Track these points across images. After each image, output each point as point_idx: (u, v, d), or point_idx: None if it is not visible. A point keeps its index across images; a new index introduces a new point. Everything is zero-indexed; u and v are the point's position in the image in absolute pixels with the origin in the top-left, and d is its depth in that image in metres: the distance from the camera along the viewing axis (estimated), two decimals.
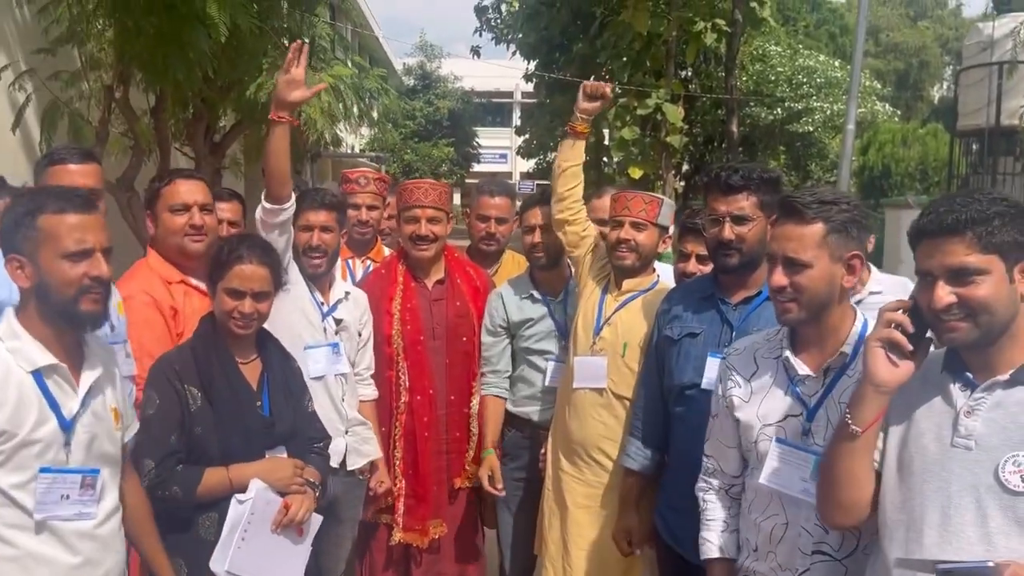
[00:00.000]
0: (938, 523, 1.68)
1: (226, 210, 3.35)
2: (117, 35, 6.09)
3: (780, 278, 2.02)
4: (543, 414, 3.39)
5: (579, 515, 3.11)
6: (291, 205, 2.97)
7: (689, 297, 2.78)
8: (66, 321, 1.95)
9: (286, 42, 7.87)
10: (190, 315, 2.75)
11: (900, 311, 1.73)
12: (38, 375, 1.91)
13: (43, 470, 1.89)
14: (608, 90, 3.23)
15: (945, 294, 1.64)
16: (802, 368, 2.08)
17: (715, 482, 2.31)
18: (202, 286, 2.81)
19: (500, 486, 3.30)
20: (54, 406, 1.92)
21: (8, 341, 1.90)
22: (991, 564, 1.57)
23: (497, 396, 3.43)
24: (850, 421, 1.76)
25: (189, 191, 2.85)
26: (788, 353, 2.11)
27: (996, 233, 1.62)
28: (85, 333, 2.03)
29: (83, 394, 1.98)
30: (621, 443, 3.02)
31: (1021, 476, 1.61)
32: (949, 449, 1.69)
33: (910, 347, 1.72)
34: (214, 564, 2.39)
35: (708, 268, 3.14)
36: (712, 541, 2.29)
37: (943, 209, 1.66)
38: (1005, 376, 1.67)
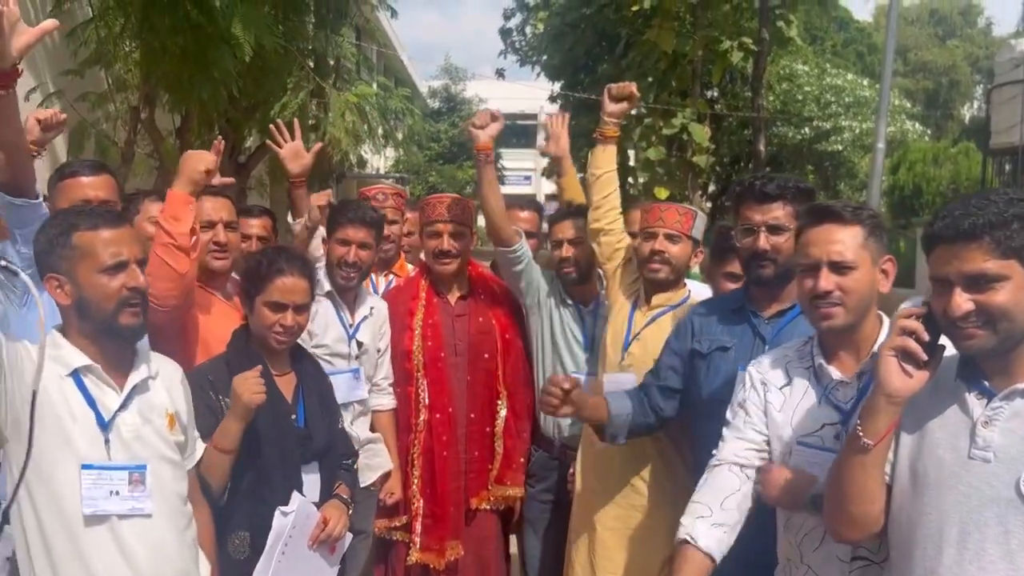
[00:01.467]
0: (956, 540, 1.60)
1: (256, 226, 3.36)
2: (143, 56, 6.15)
3: (827, 282, 1.93)
4: (571, 429, 3.29)
5: (607, 537, 3.01)
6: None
7: (718, 310, 2.68)
8: (108, 335, 1.98)
9: (311, 64, 7.93)
10: (208, 317, 2.74)
11: (914, 318, 1.65)
12: (76, 376, 1.95)
13: (85, 467, 1.92)
14: (634, 88, 3.19)
15: (963, 301, 1.57)
16: (836, 374, 2.01)
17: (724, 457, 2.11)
18: (217, 294, 2.81)
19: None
20: (91, 403, 1.95)
21: (50, 350, 1.94)
22: None
23: None
24: (861, 433, 1.69)
25: (215, 208, 2.83)
26: (822, 360, 2.03)
27: (1015, 237, 1.55)
28: (127, 346, 2.04)
29: (126, 394, 1.99)
30: (653, 462, 2.92)
31: None
32: (966, 461, 1.61)
33: (925, 356, 1.64)
34: None
35: (737, 286, 3.03)
36: (699, 532, 2.00)
37: (959, 213, 1.59)
38: (1022, 385, 1.59)
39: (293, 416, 2.51)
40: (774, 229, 2.46)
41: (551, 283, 3.39)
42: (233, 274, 2.95)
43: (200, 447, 2.25)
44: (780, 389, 2.10)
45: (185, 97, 6.16)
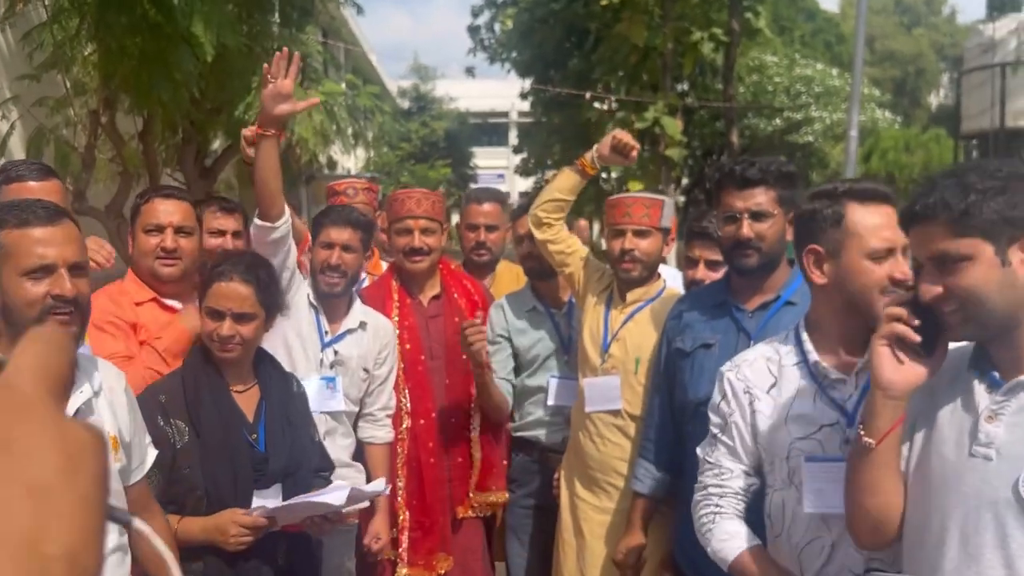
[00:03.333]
0: (957, 543, 1.49)
1: (228, 221, 3.13)
2: (101, 58, 5.96)
3: (934, 288, 1.51)
4: (551, 436, 3.19)
5: (597, 545, 2.90)
6: (284, 222, 2.77)
7: (700, 305, 2.56)
8: None
9: None
10: (156, 329, 2.54)
11: (902, 305, 1.54)
12: None
13: None
14: (636, 152, 2.98)
15: (929, 285, 1.48)
16: (834, 372, 1.86)
17: (726, 504, 2.03)
18: (175, 304, 2.61)
19: None
20: None
21: None
22: None
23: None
24: (863, 433, 1.58)
25: (166, 211, 2.63)
26: (816, 358, 1.88)
27: (974, 213, 1.43)
28: None
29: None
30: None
31: None
32: (968, 459, 1.50)
33: (917, 338, 1.52)
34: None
35: (717, 274, 2.94)
36: (737, 537, 1.97)
37: (920, 192, 1.51)
38: None
39: (254, 436, 2.34)
40: (757, 216, 2.34)
41: (513, 303, 3.26)
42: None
43: (151, 455, 2.06)
44: (768, 392, 1.94)
45: (145, 100, 5.98)
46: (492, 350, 3.18)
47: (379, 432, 3.06)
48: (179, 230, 2.64)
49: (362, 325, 3.01)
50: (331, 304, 2.98)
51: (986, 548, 1.45)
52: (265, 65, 2.65)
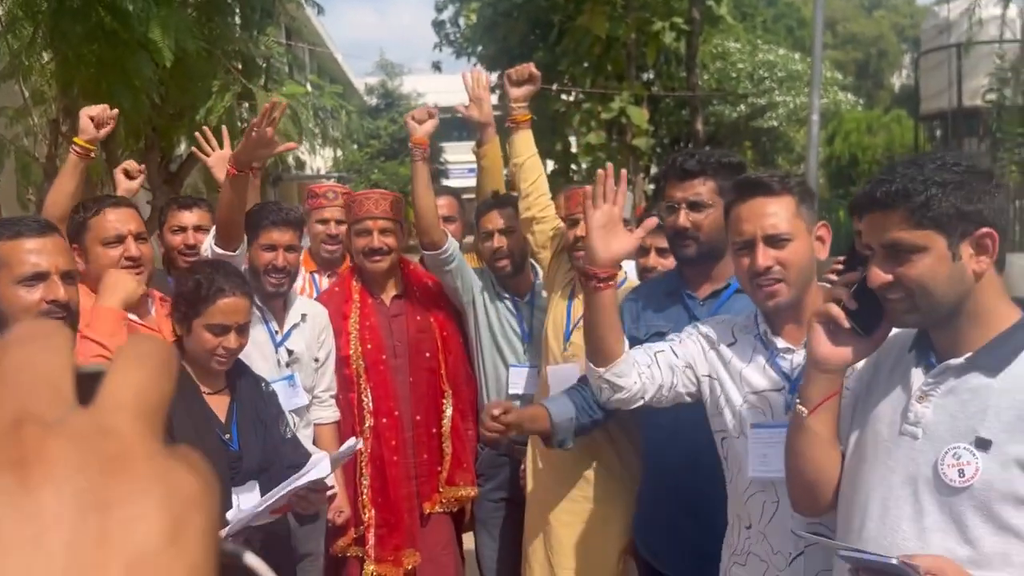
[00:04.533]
0: (878, 515, 1.57)
1: (189, 216, 3.16)
2: (58, 66, 5.92)
3: (765, 257, 1.87)
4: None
5: (564, 533, 2.95)
6: (242, 251, 2.83)
7: (654, 293, 2.63)
8: None
9: (238, 65, 7.73)
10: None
11: (845, 288, 1.61)
12: None
13: None
14: (532, 68, 3.14)
15: (879, 272, 1.52)
16: (781, 342, 1.98)
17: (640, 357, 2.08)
18: (133, 317, 2.61)
19: None
20: None
21: None
22: (894, 561, 1.42)
23: None
24: (798, 401, 1.67)
25: (121, 220, 2.59)
26: (766, 328, 2.00)
27: (932, 206, 1.46)
28: None
29: None
30: (604, 452, 2.89)
31: (959, 470, 1.47)
32: (898, 436, 1.56)
33: (846, 324, 1.58)
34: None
35: (668, 261, 3.02)
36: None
37: (880, 179, 1.54)
38: (960, 360, 1.52)
39: (228, 436, 2.39)
40: (694, 206, 2.40)
41: (483, 277, 3.31)
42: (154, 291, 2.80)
43: None
44: (727, 347, 2.06)
45: None
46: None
47: (326, 412, 3.14)
48: (136, 237, 2.63)
49: (303, 317, 3.07)
50: (273, 303, 3.02)
51: (903, 521, 1.53)
52: (253, 120, 2.69)
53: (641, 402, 2.08)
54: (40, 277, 1.87)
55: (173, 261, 3.21)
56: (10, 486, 0.29)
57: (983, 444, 1.46)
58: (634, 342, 2.59)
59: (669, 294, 2.56)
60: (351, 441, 2.56)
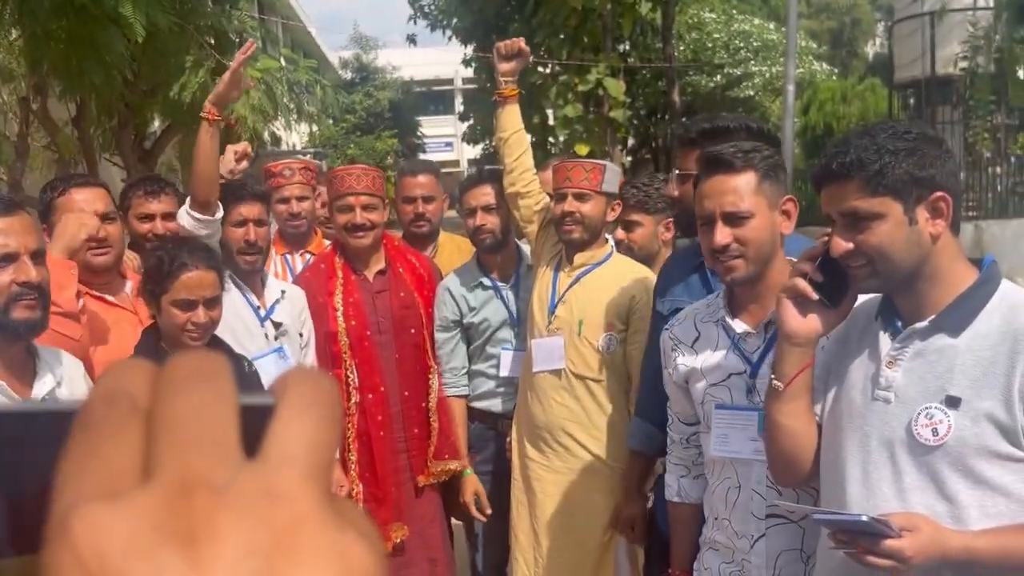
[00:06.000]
0: (859, 479, 1.62)
1: (156, 204, 3.06)
2: (27, 43, 5.82)
3: (723, 235, 1.90)
4: (505, 405, 3.26)
5: (548, 503, 2.99)
6: (220, 214, 2.82)
7: (678, 267, 2.62)
8: (1, 335, 1.82)
9: (211, 40, 7.63)
10: (99, 328, 2.52)
11: (810, 261, 1.64)
12: None
13: None
14: (522, 43, 3.08)
15: (840, 241, 1.57)
16: (740, 326, 2.02)
17: (675, 434, 2.28)
18: (108, 297, 2.58)
19: (488, 511, 3.22)
20: None
21: None
22: (864, 518, 1.48)
23: (457, 396, 3.29)
24: (773, 376, 1.71)
25: (86, 200, 2.58)
26: (724, 313, 2.04)
27: (887, 173, 1.52)
28: (24, 343, 1.88)
29: None
30: (586, 425, 2.91)
31: (932, 429, 1.53)
32: (871, 402, 1.62)
33: (814, 296, 1.62)
34: None
35: (634, 235, 3.23)
36: (671, 485, 2.29)
37: (834, 151, 1.58)
38: (924, 323, 1.58)
39: None
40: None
41: (468, 268, 3.31)
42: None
43: None
44: (692, 346, 2.11)
45: (76, 84, 5.86)
46: (443, 339, 3.26)
47: None
48: (104, 217, 2.60)
49: (283, 294, 3.09)
50: (249, 280, 3.02)
51: (883, 483, 1.58)
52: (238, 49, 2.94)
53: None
54: (9, 259, 1.81)
55: (140, 247, 3.15)
56: (178, 567, 0.25)
57: (953, 402, 1.52)
58: (659, 318, 2.56)
59: (694, 268, 2.53)
60: None
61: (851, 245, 1.56)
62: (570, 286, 2.96)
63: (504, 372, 3.24)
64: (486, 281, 3.27)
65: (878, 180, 1.52)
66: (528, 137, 3.19)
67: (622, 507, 2.83)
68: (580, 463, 2.95)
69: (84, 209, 2.56)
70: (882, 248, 1.54)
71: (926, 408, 1.54)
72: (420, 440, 3.29)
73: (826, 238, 1.63)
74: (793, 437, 1.73)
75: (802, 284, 1.62)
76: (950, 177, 1.57)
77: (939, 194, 1.54)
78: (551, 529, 2.98)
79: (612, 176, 2.96)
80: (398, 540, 3.23)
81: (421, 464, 3.29)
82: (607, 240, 3.06)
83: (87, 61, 5.59)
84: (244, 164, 3.34)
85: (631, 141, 17.76)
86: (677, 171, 2.49)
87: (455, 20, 16.39)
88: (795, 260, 1.70)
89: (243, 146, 3.37)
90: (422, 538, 3.31)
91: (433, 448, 3.28)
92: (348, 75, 29.99)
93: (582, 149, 12.45)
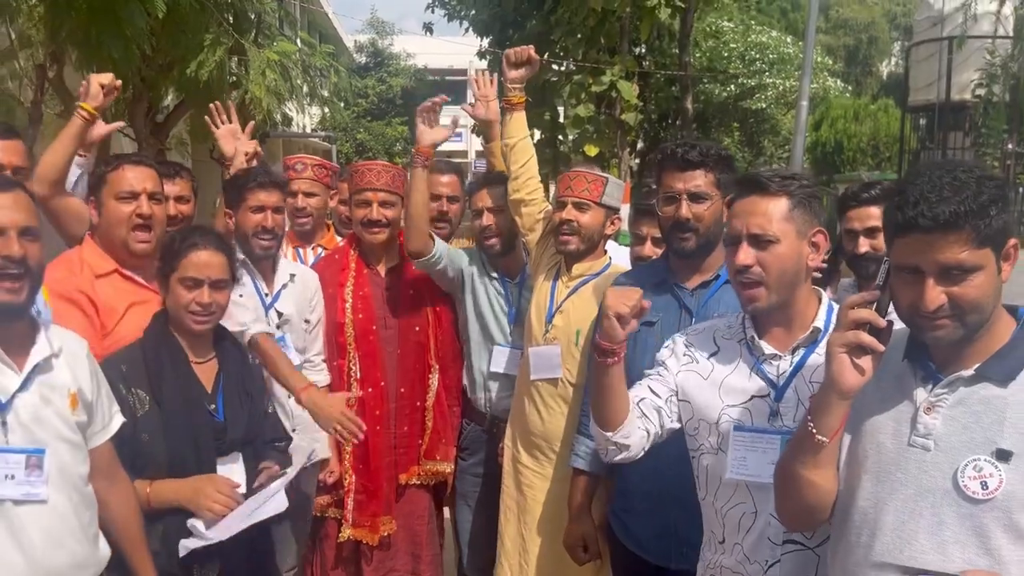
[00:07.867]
0: (892, 527, 1.55)
1: (168, 186, 3.08)
2: (48, 11, 5.81)
3: (745, 256, 1.86)
4: (497, 404, 3.27)
5: (538, 510, 3.01)
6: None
7: (642, 283, 2.58)
8: None
9: (230, 19, 7.63)
10: (120, 308, 2.54)
11: (865, 307, 1.53)
12: None
13: None
14: (532, 52, 3.10)
15: (938, 295, 1.46)
16: (768, 348, 1.95)
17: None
18: (137, 278, 2.61)
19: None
20: None
21: None
22: None
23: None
24: (814, 431, 1.59)
25: (138, 177, 2.61)
26: (753, 334, 1.97)
27: (993, 224, 1.44)
28: (6, 323, 1.88)
29: (26, 375, 1.88)
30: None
31: (982, 483, 1.47)
32: (907, 448, 1.55)
33: (882, 348, 1.52)
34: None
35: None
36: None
37: (934, 199, 1.44)
38: (970, 371, 1.52)
39: (213, 406, 2.39)
40: (695, 197, 2.41)
41: (474, 256, 3.31)
42: None
43: (116, 421, 2.13)
44: (708, 359, 2.05)
45: (94, 55, 5.85)
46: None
47: (318, 376, 3.16)
48: (152, 196, 2.63)
49: (292, 278, 3.10)
50: (261, 265, 3.04)
51: (920, 533, 1.52)
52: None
53: (642, 453, 2.06)
54: None
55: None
56: None
57: (1004, 455, 1.47)
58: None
59: (658, 284, 2.55)
60: (312, 452, 2.64)
61: (945, 298, 1.47)
62: (568, 296, 2.97)
63: (494, 368, 3.24)
64: (494, 274, 3.28)
65: (986, 232, 1.43)
66: (533, 133, 3.18)
67: (570, 528, 2.79)
68: (570, 471, 2.92)
69: (134, 186, 2.59)
70: (978, 301, 1.47)
71: (974, 460, 1.48)
72: (410, 438, 3.30)
73: (877, 285, 1.53)
74: (820, 489, 1.65)
75: (868, 339, 1.52)
76: (1013, 221, 1.52)
77: (1013, 241, 1.48)
78: (539, 536, 2.99)
79: (614, 190, 2.95)
80: (386, 533, 3.26)
81: (407, 462, 3.31)
82: (606, 251, 3.06)
83: (106, 33, 5.59)
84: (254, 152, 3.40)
85: (640, 144, 17.75)
86: (664, 193, 2.48)
87: (473, 12, 16.36)
88: (845, 308, 1.56)
89: (252, 144, 3.42)
90: (408, 533, 3.34)
91: (425, 447, 3.31)
92: (362, 59, 29.93)
93: (591, 149, 12.45)
